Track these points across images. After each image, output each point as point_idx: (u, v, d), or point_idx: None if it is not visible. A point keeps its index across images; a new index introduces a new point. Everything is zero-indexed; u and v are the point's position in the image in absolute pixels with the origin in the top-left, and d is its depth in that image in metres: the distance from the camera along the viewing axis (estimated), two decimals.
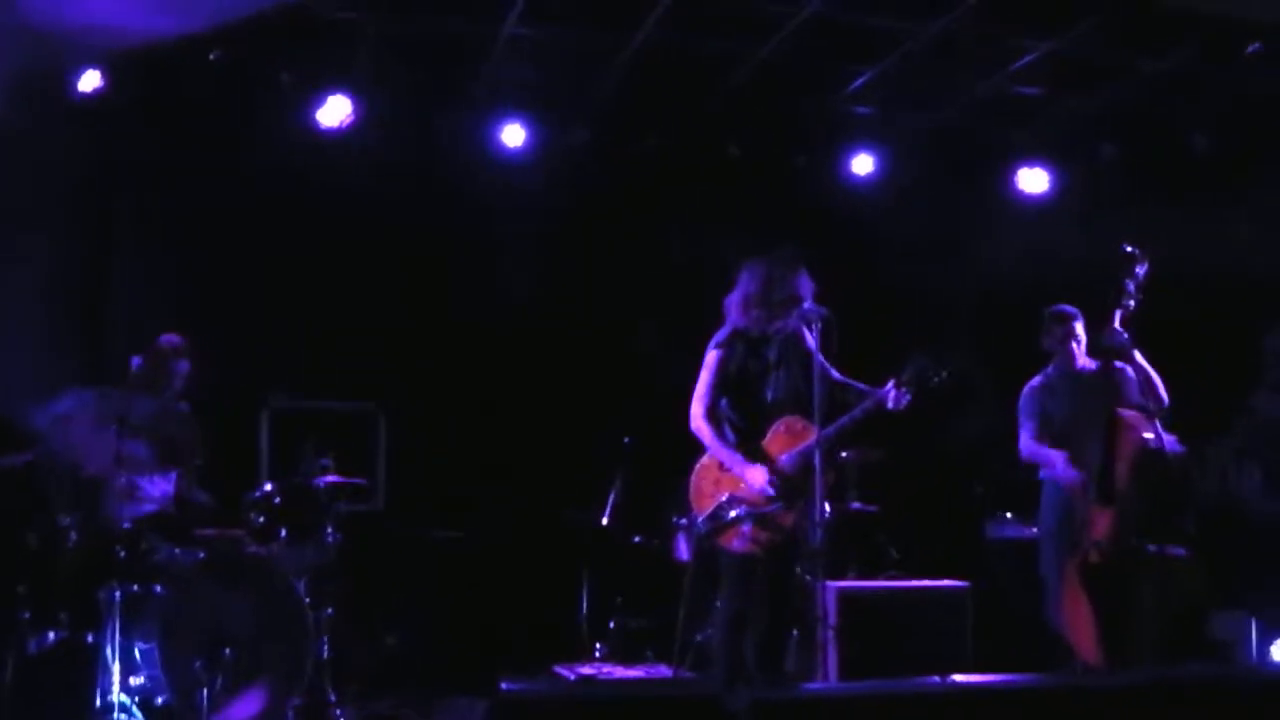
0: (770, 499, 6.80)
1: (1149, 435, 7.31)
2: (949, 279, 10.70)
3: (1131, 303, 7.42)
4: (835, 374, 7.04)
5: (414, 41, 9.41)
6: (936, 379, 6.83)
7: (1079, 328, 8.16)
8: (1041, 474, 8.17)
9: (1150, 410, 7.49)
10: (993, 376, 9.25)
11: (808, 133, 10.90)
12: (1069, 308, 8.23)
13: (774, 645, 7.12)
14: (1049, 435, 8.07)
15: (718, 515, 6.87)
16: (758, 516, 6.81)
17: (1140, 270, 7.41)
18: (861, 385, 6.96)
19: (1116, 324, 7.39)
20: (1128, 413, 7.42)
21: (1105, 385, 7.52)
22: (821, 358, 6.76)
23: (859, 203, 10.93)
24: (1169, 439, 7.41)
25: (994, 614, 8.58)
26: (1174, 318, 8.10)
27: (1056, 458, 7.87)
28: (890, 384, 6.80)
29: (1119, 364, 7.63)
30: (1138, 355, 7.57)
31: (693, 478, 7.03)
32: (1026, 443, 8.16)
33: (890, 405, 6.81)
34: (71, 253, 9.45)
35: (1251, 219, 9.69)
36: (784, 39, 9.33)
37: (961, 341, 10.30)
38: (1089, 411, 7.71)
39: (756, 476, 6.83)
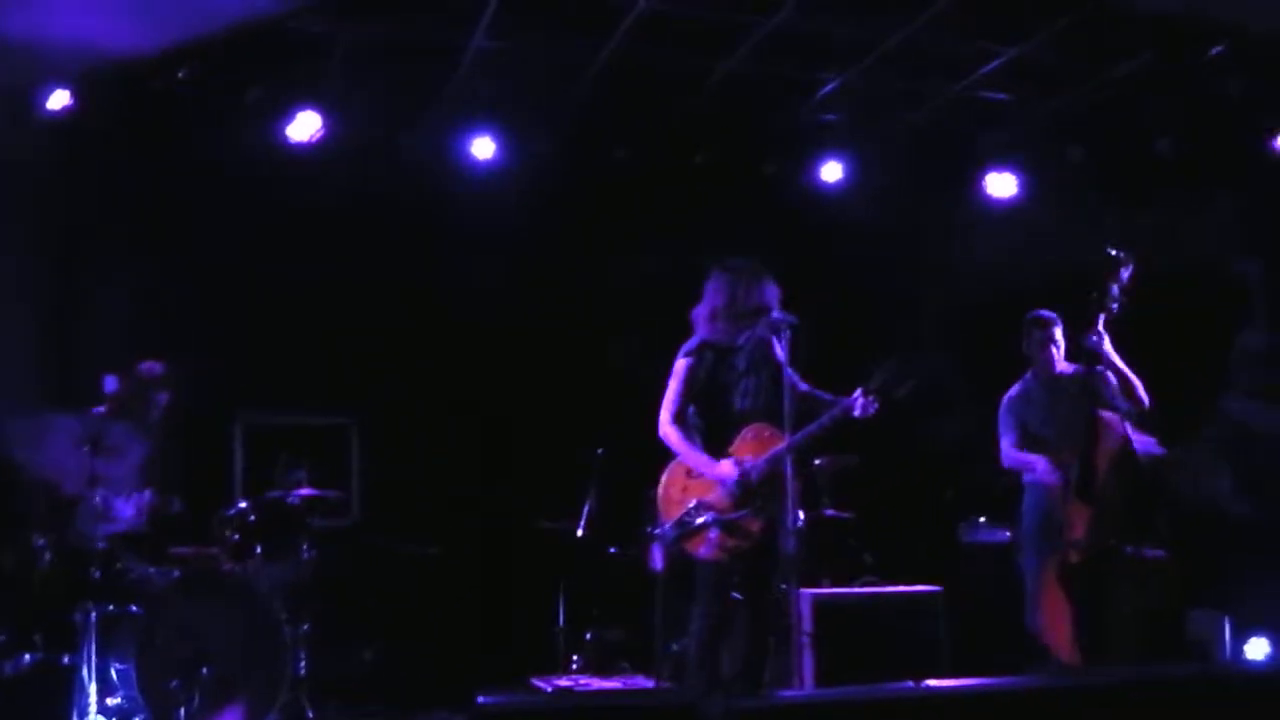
0: (737, 503, 6.83)
1: (1127, 438, 7.35)
2: (920, 284, 10.73)
3: (1115, 305, 7.43)
4: (801, 384, 7.07)
5: (382, 55, 9.40)
6: (903, 388, 6.88)
7: (1058, 333, 8.17)
8: (1025, 477, 8.20)
9: (1129, 413, 7.52)
10: (964, 381, 9.28)
11: (776, 141, 10.92)
12: (1048, 313, 8.23)
13: (753, 657, 7.14)
14: (1028, 442, 8.09)
15: (685, 522, 6.89)
16: (725, 523, 6.83)
17: (1125, 273, 7.41)
18: (827, 395, 6.99)
19: (1099, 327, 7.40)
20: (1107, 415, 7.45)
21: (1084, 388, 7.53)
22: (788, 367, 6.78)
23: (829, 210, 10.97)
24: (1146, 441, 7.44)
25: (969, 618, 8.61)
26: (1143, 319, 8.13)
27: (1038, 461, 7.89)
28: (858, 392, 6.84)
29: (1099, 368, 7.63)
30: (1116, 358, 7.58)
31: (660, 486, 7.04)
32: (1008, 451, 8.18)
33: (857, 413, 6.84)
34: (41, 269, 9.42)
35: (1218, 221, 9.73)
36: (751, 49, 9.36)
37: (933, 346, 10.35)
38: (1068, 415, 7.74)
39: (725, 470, 6.86)
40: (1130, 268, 7.41)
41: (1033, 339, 8.21)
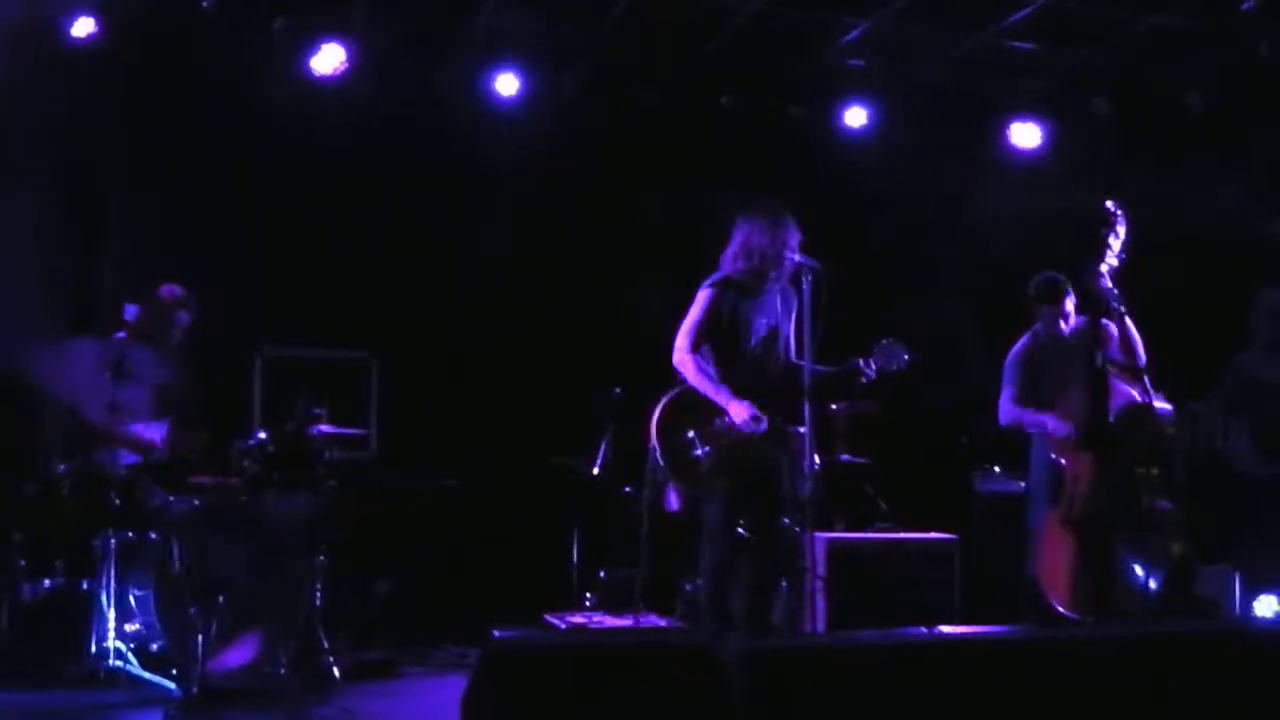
0: (740, 438, 6.87)
1: (1136, 391, 7.36)
2: (940, 233, 10.71)
3: (1115, 261, 7.41)
4: (793, 354, 7.15)
5: None
6: (900, 364, 6.99)
7: (1068, 301, 8.16)
8: (1030, 428, 8.21)
9: (1124, 368, 7.52)
10: (982, 330, 9.28)
11: (801, 85, 10.88)
12: (1057, 275, 8.22)
13: (760, 596, 7.20)
14: (1036, 396, 8.09)
15: (681, 451, 6.93)
16: (720, 456, 6.88)
17: (1120, 227, 7.40)
18: (818, 367, 7.00)
19: (1107, 281, 7.39)
20: (1115, 368, 7.46)
21: (1091, 340, 7.52)
22: (809, 315, 6.81)
23: (852, 155, 10.92)
24: (1156, 396, 7.45)
25: (981, 567, 8.65)
26: (1165, 275, 8.11)
27: (1045, 417, 7.88)
28: (862, 363, 7.02)
29: (1103, 320, 7.61)
30: (1124, 312, 7.55)
31: (657, 413, 7.07)
32: (1006, 407, 8.18)
33: (861, 382, 7.00)
34: (64, 200, 9.43)
35: (1246, 178, 9.69)
36: None
37: (951, 294, 10.36)
38: (1075, 366, 7.73)
39: (741, 411, 6.90)
40: (1124, 223, 7.39)
41: (1039, 302, 8.19)
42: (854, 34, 10.09)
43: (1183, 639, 4.72)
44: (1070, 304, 8.15)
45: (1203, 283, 9.76)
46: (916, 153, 10.80)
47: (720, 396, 6.96)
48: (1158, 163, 9.58)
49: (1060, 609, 7.39)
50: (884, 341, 7.07)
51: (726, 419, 6.94)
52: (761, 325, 7.17)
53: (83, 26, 9.17)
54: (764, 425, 6.89)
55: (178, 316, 8.14)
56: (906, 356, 7.06)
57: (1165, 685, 4.44)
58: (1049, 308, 8.16)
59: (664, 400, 7.07)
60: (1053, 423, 7.80)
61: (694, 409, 7.01)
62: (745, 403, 6.91)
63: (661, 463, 6.99)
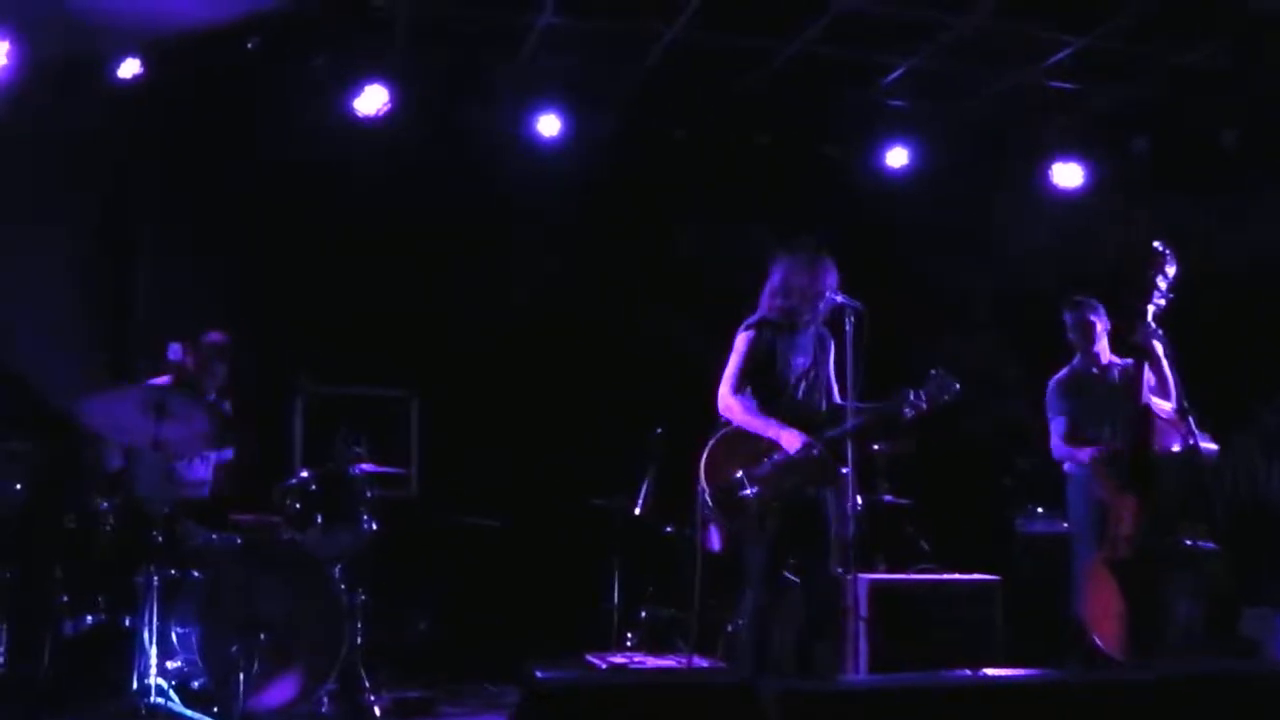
0: (790, 475, 6.86)
1: (1181, 431, 7.32)
2: (982, 272, 10.70)
3: (1162, 301, 7.41)
4: (835, 395, 7.14)
5: (449, 30, 9.43)
6: (950, 397, 6.96)
7: (1100, 320, 8.16)
8: (1068, 467, 8.18)
9: (1180, 409, 7.48)
10: (1024, 369, 9.26)
11: (842, 125, 10.91)
12: (1090, 299, 8.23)
13: (805, 639, 7.17)
14: (1076, 429, 8.07)
15: (730, 492, 6.92)
16: (770, 497, 6.86)
17: (1170, 269, 7.39)
18: (858, 404, 7.00)
19: (1151, 322, 7.37)
20: (1161, 409, 7.43)
21: (1135, 380, 7.50)
22: (851, 356, 6.82)
23: (894, 195, 10.94)
24: (1201, 436, 7.41)
25: (1025, 608, 8.60)
26: (1204, 312, 8.08)
27: (1086, 454, 7.85)
28: (909, 395, 6.92)
29: (1144, 363, 7.58)
30: (1163, 356, 7.53)
31: (705, 454, 7.05)
32: (1058, 444, 8.17)
33: (908, 414, 6.93)
34: (105, 239, 9.52)
35: None
36: (819, 30, 9.35)
37: (993, 333, 10.34)
38: (1115, 405, 7.72)
39: (794, 439, 6.89)
40: (1174, 264, 7.38)
41: (1073, 324, 8.19)
42: (895, 74, 10.10)
43: (1225, 680, 4.69)
44: (1101, 320, 8.13)
45: (1239, 317, 9.71)
46: (958, 193, 10.80)
47: (770, 429, 6.96)
48: (1197, 199, 9.55)
49: (1105, 650, 7.35)
50: (934, 372, 7.02)
51: (776, 455, 6.93)
52: (799, 363, 7.17)
53: (129, 68, 9.26)
54: (817, 451, 6.89)
55: (217, 365, 8.23)
56: (958, 386, 7.03)
57: None
58: (1082, 322, 8.15)
59: (712, 441, 7.07)
60: (1088, 457, 7.77)
61: (742, 449, 7.01)
62: (796, 431, 6.92)
63: (710, 504, 6.99)
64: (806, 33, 9.39)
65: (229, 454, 8.38)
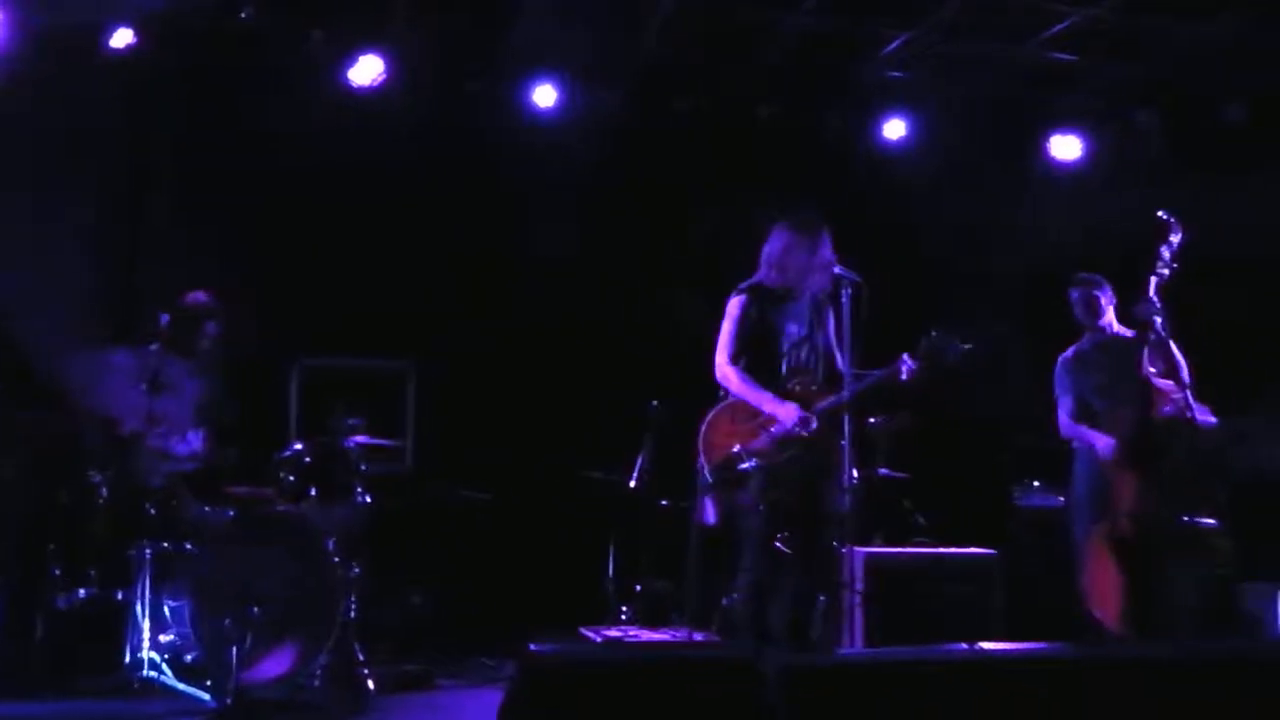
0: (787, 448, 6.81)
1: (1182, 405, 7.29)
2: (979, 245, 10.67)
3: (1166, 271, 7.36)
4: (839, 362, 7.08)
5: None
6: (951, 357, 6.88)
7: (1105, 295, 8.13)
8: (1075, 443, 8.15)
9: (1178, 381, 7.45)
10: (1022, 344, 9.22)
11: (841, 97, 10.85)
12: (1093, 276, 8.20)
13: (799, 612, 7.15)
14: (1083, 412, 8.04)
15: (728, 466, 6.88)
16: (770, 470, 6.83)
17: (1175, 239, 7.35)
18: (856, 371, 6.94)
19: (1152, 294, 7.33)
20: (1161, 382, 7.39)
21: (1138, 354, 7.46)
22: (848, 328, 6.77)
23: (891, 167, 10.89)
24: (1201, 410, 7.38)
25: (1022, 582, 8.57)
26: (1208, 287, 8.04)
27: (1096, 439, 7.82)
28: (905, 357, 6.85)
29: (1150, 335, 7.54)
30: (1165, 331, 7.48)
31: (703, 429, 7.05)
32: (1065, 422, 8.13)
33: (904, 378, 6.86)
34: (104, 209, 9.46)
35: None
36: (818, 2, 9.29)
37: (991, 308, 10.29)
38: (1121, 379, 7.68)
39: (790, 413, 6.87)
40: (1179, 233, 7.33)
41: (1078, 300, 8.16)
42: (894, 45, 10.05)
43: (1225, 656, 4.67)
44: (1105, 296, 8.10)
45: (1244, 292, 9.67)
46: (956, 165, 10.76)
47: (766, 402, 6.94)
48: (1200, 173, 9.50)
49: (1104, 625, 7.34)
50: (933, 333, 6.93)
51: (773, 429, 6.90)
52: (793, 331, 7.14)
53: (121, 38, 9.19)
54: (814, 425, 6.85)
55: (205, 326, 8.13)
56: (963, 345, 6.93)
57: (1207, 702, 4.39)
58: (1087, 297, 8.12)
59: (710, 415, 7.05)
60: (1102, 445, 7.72)
61: (739, 422, 6.99)
62: (792, 405, 6.89)
63: (709, 477, 6.96)
64: (805, 3, 9.33)
65: (201, 437, 8.15)
